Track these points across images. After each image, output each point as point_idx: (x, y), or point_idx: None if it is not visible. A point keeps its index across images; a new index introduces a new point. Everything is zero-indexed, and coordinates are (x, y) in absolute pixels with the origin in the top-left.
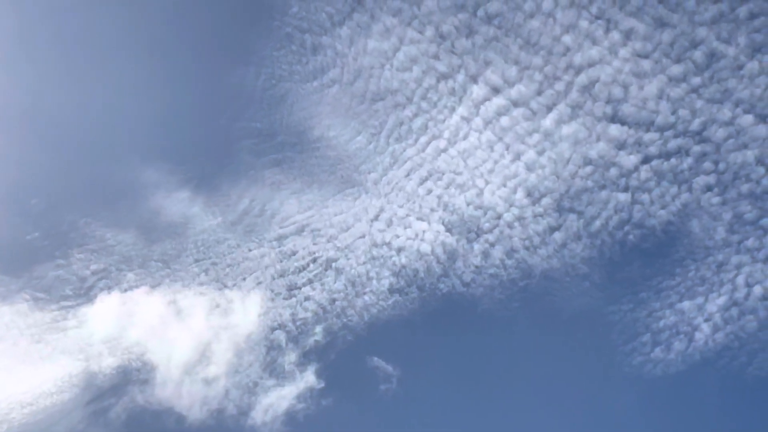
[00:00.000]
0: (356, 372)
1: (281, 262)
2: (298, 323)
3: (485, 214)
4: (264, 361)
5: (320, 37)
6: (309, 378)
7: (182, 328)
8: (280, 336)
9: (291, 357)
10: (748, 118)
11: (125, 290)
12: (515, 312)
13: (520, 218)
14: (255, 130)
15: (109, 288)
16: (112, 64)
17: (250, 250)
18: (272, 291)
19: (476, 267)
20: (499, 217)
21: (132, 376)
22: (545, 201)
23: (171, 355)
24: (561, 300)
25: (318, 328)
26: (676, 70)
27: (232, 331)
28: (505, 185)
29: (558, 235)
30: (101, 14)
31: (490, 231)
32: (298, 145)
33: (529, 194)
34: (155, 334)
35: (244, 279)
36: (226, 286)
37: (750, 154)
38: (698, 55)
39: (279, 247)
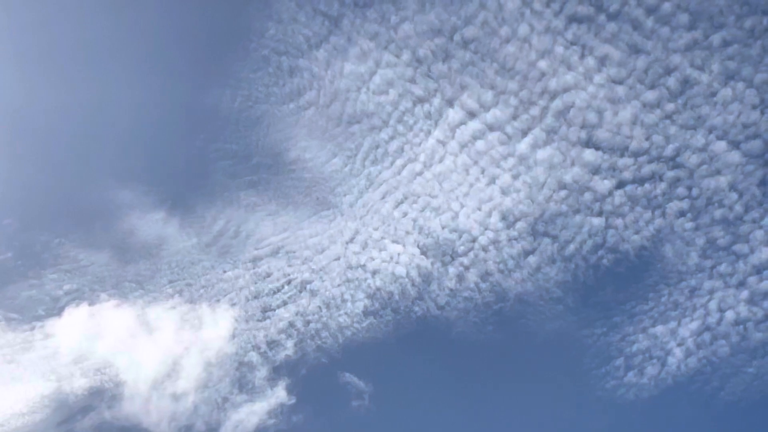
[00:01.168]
0: (328, 388)
1: (256, 283)
2: (271, 345)
3: (460, 237)
4: (234, 376)
5: (297, 59)
6: (280, 393)
7: (155, 348)
8: (254, 357)
9: (262, 372)
10: (722, 145)
11: (98, 310)
12: (489, 335)
13: (494, 242)
14: (230, 151)
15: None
16: (87, 83)
17: (224, 272)
18: (246, 312)
19: (451, 290)
20: (473, 240)
21: (104, 396)
22: (520, 225)
23: (143, 374)
24: (535, 323)
25: (289, 343)
26: (650, 96)
27: (205, 353)
28: (480, 209)
29: (532, 259)
30: (76, 35)
31: (465, 254)
32: (273, 167)
33: (503, 218)
34: (127, 353)
35: (218, 300)
36: (200, 308)
37: (723, 180)
38: (672, 81)
39: (253, 268)
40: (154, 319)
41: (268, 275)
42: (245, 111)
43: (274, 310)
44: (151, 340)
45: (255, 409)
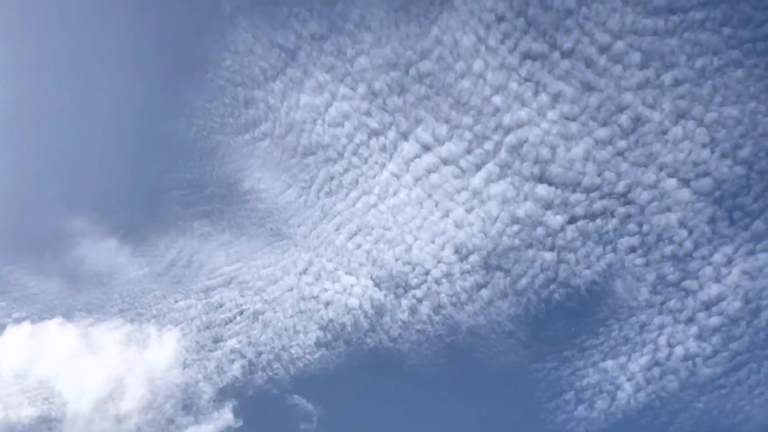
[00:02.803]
0: (276, 410)
1: (207, 313)
2: (222, 375)
3: (413, 269)
4: (179, 398)
5: (253, 90)
6: (226, 416)
7: (103, 375)
8: (205, 387)
9: (208, 393)
10: (672, 182)
11: (47, 338)
12: (441, 368)
13: (447, 275)
14: (185, 181)
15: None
16: (40, 109)
17: (176, 302)
18: (197, 343)
19: (403, 322)
20: (427, 273)
21: (51, 423)
22: (473, 258)
23: (90, 400)
24: (487, 357)
25: (240, 373)
26: (602, 133)
27: (155, 381)
28: (433, 242)
29: (485, 292)
30: (29, 61)
31: (418, 287)
32: (227, 197)
33: (457, 251)
34: (74, 380)
35: (170, 330)
36: (150, 338)
37: (673, 217)
38: (624, 119)
39: (206, 298)
40: (103, 348)
41: (220, 305)
42: (200, 141)
43: (226, 340)
44: (99, 368)
45: None
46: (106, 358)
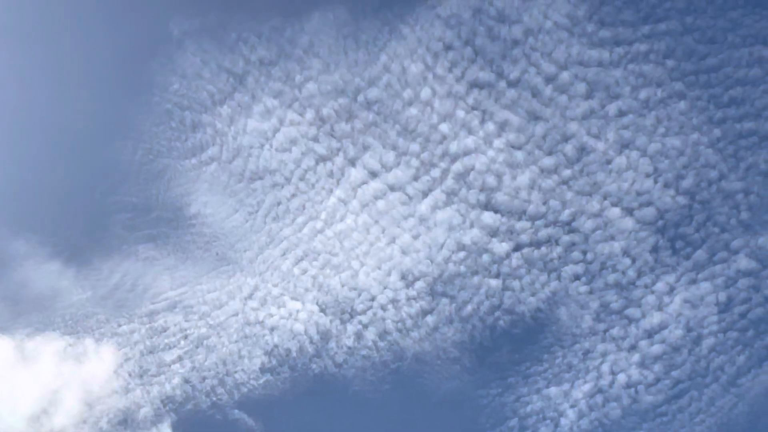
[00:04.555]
0: (216, 427)
1: (151, 338)
2: (165, 400)
3: (359, 295)
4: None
5: (200, 114)
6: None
7: (41, 397)
8: (146, 409)
9: (146, 409)
10: (616, 211)
11: None
12: (386, 394)
13: (393, 301)
14: (130, 204)
15: None
16: None
17: (119, 326)
18: (140, 367)
19: (349, 348)
20: (373, 298)
21: None
22: (419, 284)
23: (23, 419)
24: (432, 383)
25: (183, 398)
26: (547, 161)
27: (97, 406)
28: (379, 267)
29: (430, 319)
30: None
31: (364, 312)
32: (173, 221)
33: (403, 277)
34: (8, 402)
35: (112, 354)
36: (91, 361)
37: (617, 246)
38: (569, 148)
39: (150, 322)
40: (43, 370)
41: (165, 330)
42: (146, 164)
43: (170, 365)
44: (38, 390)
45: None
46: (43, 379)
